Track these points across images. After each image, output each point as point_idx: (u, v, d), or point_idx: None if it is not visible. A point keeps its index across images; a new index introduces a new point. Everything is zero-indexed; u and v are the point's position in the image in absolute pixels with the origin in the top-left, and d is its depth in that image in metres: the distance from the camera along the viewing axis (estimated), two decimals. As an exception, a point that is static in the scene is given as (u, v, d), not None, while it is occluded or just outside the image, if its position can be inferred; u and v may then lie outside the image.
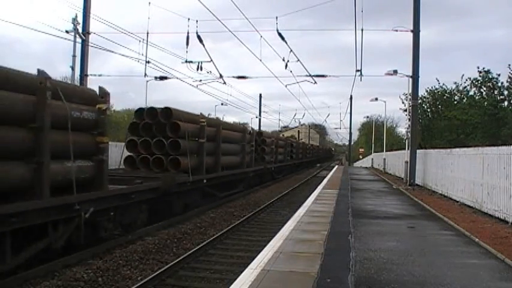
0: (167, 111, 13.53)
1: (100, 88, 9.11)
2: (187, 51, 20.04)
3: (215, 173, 16.09)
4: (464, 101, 33.07)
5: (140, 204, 10.74)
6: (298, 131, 73.24)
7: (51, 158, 7.37)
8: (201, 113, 15.88)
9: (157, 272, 7.40)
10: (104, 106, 8.87)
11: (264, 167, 25.11)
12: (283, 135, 50.73)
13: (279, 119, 64.53)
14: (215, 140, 16.44)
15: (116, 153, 15.90)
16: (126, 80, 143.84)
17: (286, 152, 35.23)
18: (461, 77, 33.66)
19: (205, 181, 14.90)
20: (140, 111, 13.93)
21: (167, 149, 13.27)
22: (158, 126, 13.44)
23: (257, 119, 53.65)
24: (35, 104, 7.13)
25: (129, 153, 13.75)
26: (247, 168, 20.97)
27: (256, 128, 39.07)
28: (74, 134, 7.89)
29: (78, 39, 19.13)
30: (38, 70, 7.49)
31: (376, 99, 38.78)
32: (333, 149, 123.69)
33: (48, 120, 7.24)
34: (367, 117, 73.87)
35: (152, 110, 13.72)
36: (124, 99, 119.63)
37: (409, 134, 22.29)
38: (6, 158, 6.74)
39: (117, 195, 9.47)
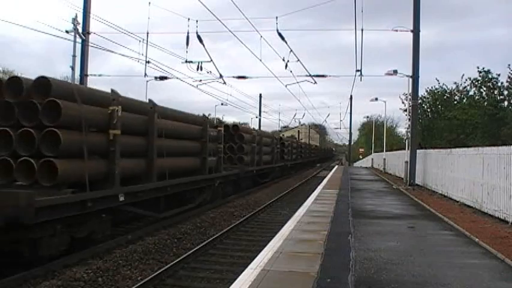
0: (236, 127, 22.17)
1: (218, 119, 17.39)
2: (187, 51, 20.13)
3: (260, 166, 23.92)
4: (464, 101, 33.06)
5: (230, 182, 18.54)
6: (298, 131, 72.99)
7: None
8: (253, 127, 22.88)
9: (157, 272, 7.41)
10: (220, 128, 17.23)
11: (284, 164, 33.14)
12: (283, 135, 50.69)
13: (279, 119, 64.56)
14: (259, 144, 24.13)
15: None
16: (126, 80, 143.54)
17: (297, 152, 42.41)
18: (461, 77, 33.73)
19: (254, 171, 22.56)
20: None
21: (236, 150, 20.71)
22: (229, 136, 20.49)
23: (257, 119, 53.63)
24: (202, 130, 14.93)
25: None
26: (275, 164, 29.21)
27: (256, 128, 39.62)
28: (210, 143, 15.41)
29: (78, 39, 19.10)
30: (203, 114, 16.06)
31: (376, 99, 38.77)
32: (334, 149, 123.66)
33: (208, 137, 15.10)
34: (367, 117, 73.88)
35: (226, 126, 21.42)
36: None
37: (409, 134, 22.27)
38: (193, 155, 14.38)
39: (225, 175, 17.18)
